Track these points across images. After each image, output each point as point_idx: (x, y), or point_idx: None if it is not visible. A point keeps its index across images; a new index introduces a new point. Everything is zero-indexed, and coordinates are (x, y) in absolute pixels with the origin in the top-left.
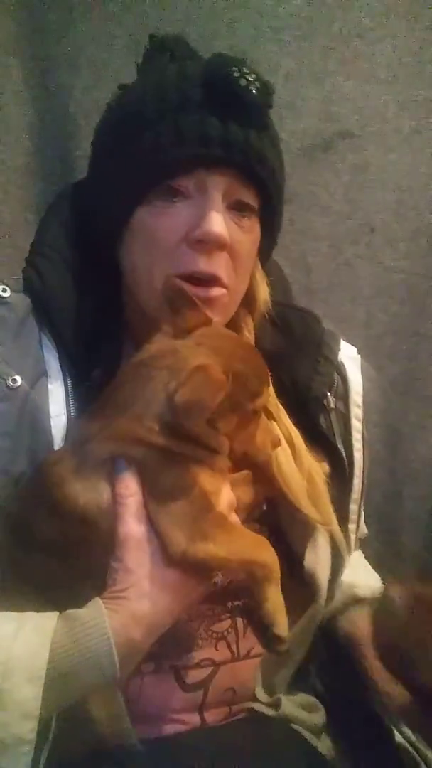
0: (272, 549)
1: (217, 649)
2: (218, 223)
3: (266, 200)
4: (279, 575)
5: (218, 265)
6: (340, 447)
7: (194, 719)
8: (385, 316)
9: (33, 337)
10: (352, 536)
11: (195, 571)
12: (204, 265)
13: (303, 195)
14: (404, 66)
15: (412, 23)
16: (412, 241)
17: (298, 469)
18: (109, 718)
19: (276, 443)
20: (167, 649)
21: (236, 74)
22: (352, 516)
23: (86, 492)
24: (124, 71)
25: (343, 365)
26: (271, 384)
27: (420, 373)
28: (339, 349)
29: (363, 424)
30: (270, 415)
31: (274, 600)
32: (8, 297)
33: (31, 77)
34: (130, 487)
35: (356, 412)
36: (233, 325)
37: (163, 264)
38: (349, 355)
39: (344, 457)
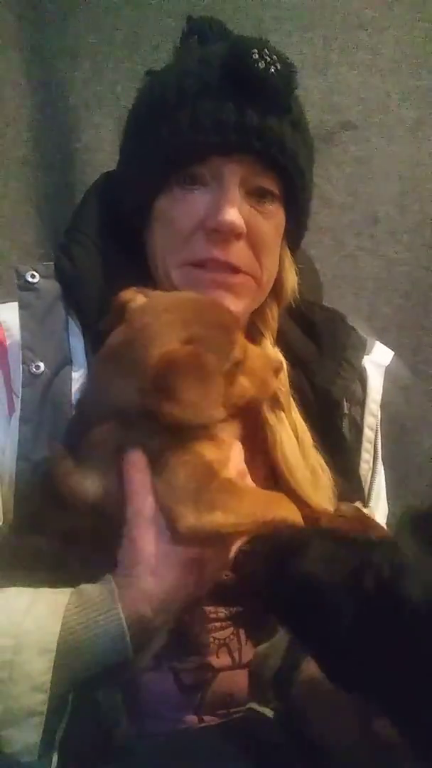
0: (292, 504)
1: (218, 656)
2: (232, 212)
3: (288, 185)
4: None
5: (234, 253)
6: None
7: (191, 719)
8: (388, 308)
9: (60, 323)
10: None
11: (206, 545)
12: (218, 253)
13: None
14: (407, 57)
15: (415, 14)
16: (415, 232)
17: (303, 462)
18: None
19: (278, 368)
20: (167, 650)
21: (255, 56)
22: None
23: (94, 482)
24: (124, 64)
25: (365, 370)
26: (242, 338)
27: (424, 366)
28: (364, 354)
29: (377, 435)
30: (280, 407)
31: None
32: (37, 283)
33: (31, 69)
34: (137, 465)
35: (370, 421)
36: (259, 312)
37: (179, 251)
38: (375, 361)
39: (354, 459)
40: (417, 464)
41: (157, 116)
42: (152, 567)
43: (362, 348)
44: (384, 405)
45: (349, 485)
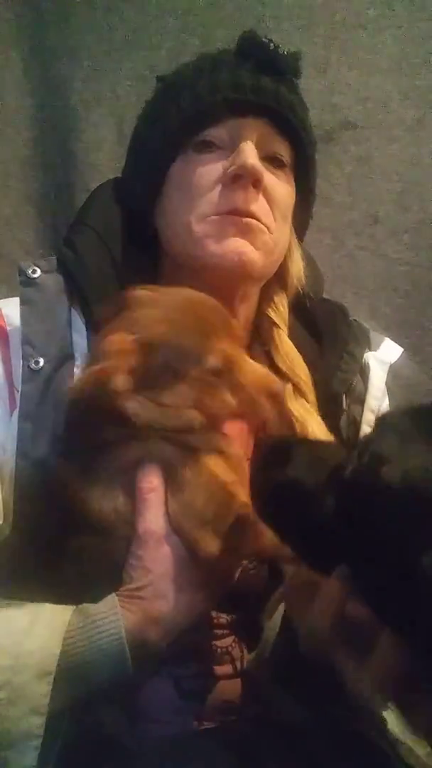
0: None
1: (219, 664)
2: (252, 155)
3: (300, 153)
4: None
5: (255, 203)
6: None
7: (191, 725)
8: (388, 308)
9: (62, 318)
10: None
11: (219, 569)
12: (241, 202)
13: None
14: (407, 56)
15: (415, 13)
16: (415, 232)
17: None
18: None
19: (275, 393)
20: (168, 657)
21: (265, 40)
22: None
23: (102, 499)
24: (124, 63)
25: (368, 366)
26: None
27: (424, 366)
28: (367, 348)
29: None
30: (305, 395)
31: None
32: (38, 278)
33: (31, 69)
34: (152, 482)
35: (368, 418)
36: (268, 300)
37: (200, 206)
38: (379, 357)
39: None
40: None
41: (175, 92)
42: (160, 589)
43: (364, 340)
44: (391, 403)
45: None
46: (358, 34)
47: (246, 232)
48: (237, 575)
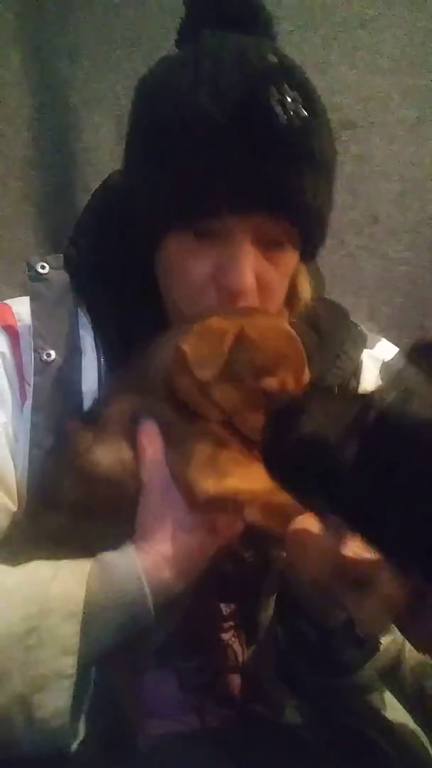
0: None
1: (221, 657)
2: (244, 275)
3: (304, 231)
4: None
5: (245, 303)
6: None
7: (193, 721)
8: (388, 308)
9: (69, 313)
10: None
11: (222, 511)
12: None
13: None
14: (407, 56)
15: (415, 13)
16: (415, 232)
17: None
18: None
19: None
20: (171, 650)
21: (274, 103)
22: None
23: (108, 454)
24: (124, 63)
25: (361, 363)
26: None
27: None
28: (363, 348)
29: None
30: None
31: None
32: (47, 274)
33: (31, 69)
34: (151, 435)
35: None
36: None
37: (192, 303)
38: (373, 355)
39: None
40: None
41: (164, 151)
42: (169, 532)
43: (362, 343)
44: None
45: None
46: (358, 34)
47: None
48: (244, 524)
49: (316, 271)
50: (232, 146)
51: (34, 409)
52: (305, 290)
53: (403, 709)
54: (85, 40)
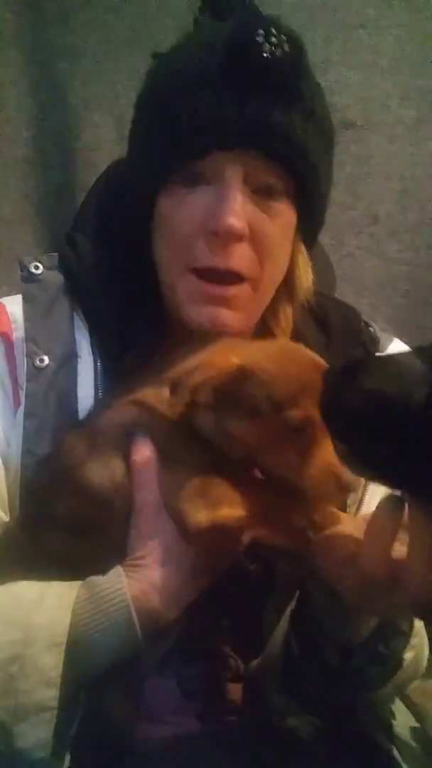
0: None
1: (222, 666)
2: (233, 214)
3: (298, 180)
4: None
5: (236, 259)
6: None
7: (194, 725)
8: (388, 308)
9: (64, 315)
10: None
11: (217, 541)
12: (220, 260)
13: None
14: (407, 56)
15: (415, 13)
16: (415, 232)
17: None
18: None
19: (345, 487)
20: (171, 657)
21: (260, 39)
22: None
23: (100, 470)
24: (124, 62)
25: None
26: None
27: None
28: (376, 351)
29: None
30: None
31: None
32: (40, 274)
33: (30, 68)
34: (145, 454)
35: None
36: (271, 310)
37: (181, 257)
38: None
39: None
40: None
41: (159, 107)
42: (161, 559)
43: (372, 345)
44: None
45: None
46: (358, 34)
47: (224, 299)
48: (241, 546)
49: (327, 266)
50: (220, 85)
51: (27, 415)
52: (305, 274)
53: (411, 714)
54: (85, 41)
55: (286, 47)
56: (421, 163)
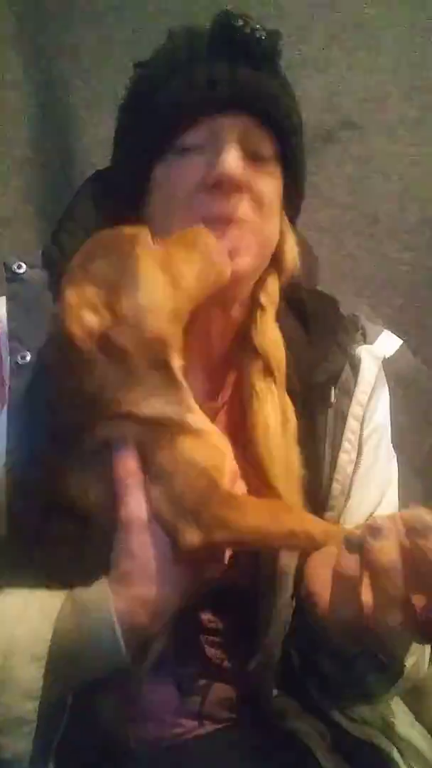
0: (295, 511)
1: (219, 666)
2: (233, 161)
3: (285, 145)
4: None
5: (237, 206)
6: (327, 446)
7: (191, 724)
8: (388, 308)
9: (48, 312)
10: None
11: (205, 554)
12: (220, 207)
13: (306, 186)
14: (407, 55)
15: (416, 12)
16: (416, 232)
17: (284, 451)
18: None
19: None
20: (168, 657)
21: (240, 23)
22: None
23: (78, 482)
24: (124, 62)
25: (360, 360)
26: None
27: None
28: (362, 341)
29: (362, 426)
30: (272, 375)
31: None
32: (23, 273)
33: (31, 68)
34: (129, 467)
35: (356, 411)
36: (260, 283)
37: (180, 213)
38: (373, 351)
39: (325, 457)
40: (416, 467)
41: (150, 89)
42: (147, 573)
43: (354, 332)
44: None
45: (315, 478)
46: (358, 34)
47: (229, 240)
48: (225, 560)
49: (310, 258)
50: (210, 59)
51: (10, 413)
52: (291, 249)
53: (411, 716)
54: (85, 40)
55: (263, 32)
56: (421, 163)
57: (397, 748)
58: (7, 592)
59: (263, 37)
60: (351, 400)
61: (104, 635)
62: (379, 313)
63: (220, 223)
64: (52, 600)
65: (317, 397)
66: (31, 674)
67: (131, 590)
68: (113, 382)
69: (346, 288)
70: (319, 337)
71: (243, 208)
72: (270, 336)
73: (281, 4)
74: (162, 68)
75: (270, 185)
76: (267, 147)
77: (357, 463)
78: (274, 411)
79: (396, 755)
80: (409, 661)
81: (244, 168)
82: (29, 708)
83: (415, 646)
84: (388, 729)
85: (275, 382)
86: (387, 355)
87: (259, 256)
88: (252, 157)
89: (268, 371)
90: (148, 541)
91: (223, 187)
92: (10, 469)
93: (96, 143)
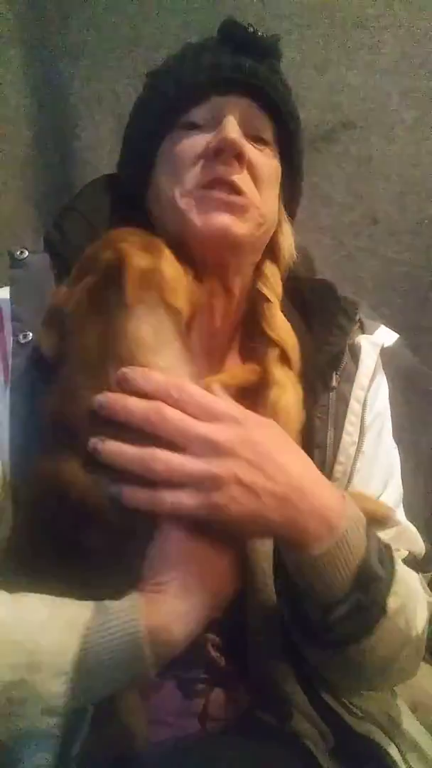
0: None
1: (223, 667)
2: (234, 130)
3: (283, 129)
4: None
5: (238, 174)
6: (330, 429)
7: (194, 726)
8: (387, 309)
9: (49, 293)
10: None
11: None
12: (223, 172)
13: (305, 186)
14: (407, 56)
15: (416, 12)
16: (415, 232)
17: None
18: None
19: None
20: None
21: (245, 24)
22: None
23: (97, 487)
24: (124, 61)
25: (360, 347)
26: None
27: (424, 366)
28: (355, 320)
29: (364, 409)
30: (289, 363)
31: None
32: (25, 258)
33: (31, 67)
34: None
35: (357, 394)
36: (260, 274)
37: (185, 181)
38: (372, 340)
39: (326, 439)
40: (414, 465)
41: (162, 76)
42: (185, 584)
43: (353, 313)
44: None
45: (319, 460)
46: (358, 34)
47: (230, 205)
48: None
49: (304, 253)
50: (217, 49)
51: (12, 389)
52: (288, 238)
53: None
54: (85, 40)
55: (265, 34)
56: (421, 163)
57: (397, 745)
58: (29, 595)
59: (265, 35)
60: (352, 385)
61: (131, 654)
62: (379, 313)
63: (222, 186)
64: (79, 611)
65: (320, 380)
66: (55, 689)
67: (168, 602)
68: (147, 338)
69: (346, 288)
70: (319, 321)
71: (243, 177)
72: (281, 325)
73: (281, 2)
74: (174, 59)
75: (268, 164)
76: (267, 132)
77: (359, 447)
78: (293, 399)
79: (396, 754)
80: (392, 602)
81: (247, 143)
82: (53, 722)
83: (398, 588)
84: (392, 725)
85: (292, 369)
86: (385, 344)
87: (256, 227)
88: (252, 139)
89: (285, 359)
90: (189, 554)
91: (225, 153)
92: (13, 445)
93: (96, 142)
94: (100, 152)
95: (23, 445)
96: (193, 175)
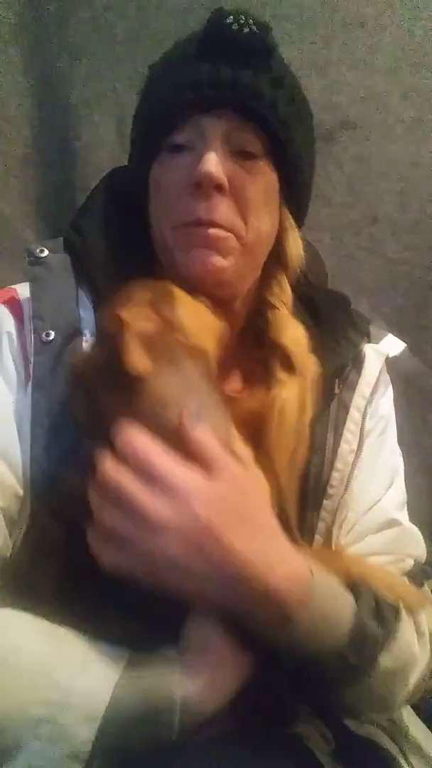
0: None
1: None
2: (211, 162)
3: (273, 141)
4: None
5: (218, 211)
6: (330, 436)
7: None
8: (388, 308)
9: (70, 295)
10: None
11: None
12: (203, 212)
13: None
14: (407, 56)
15: (415, 13)
16: (415, 232)
17: (293, 440)
18: None
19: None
20: None
21: (230, 20)
22: (324, 516)
23: None
24: (124, 61)
25: (364, 356)
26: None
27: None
28: (365, 334)
29: (363, 417)
30: (294, 369)
31: None
32: (45, 257)
33: (30, 67)
34: None
35: (358, 402)
36: (266, 284)
37: (170, 214)
38: (377, 349)
39: (325, 444)
40: (414, 466)
41: (149, 89)
42: (223, 657)
43: (364, 326)
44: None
45: (318, 465)
46: (358, 34)
47: (211, 242)
48: None
49: (317, 260)
50: (196, 59)
51: (35, 386)
52: (295, 244)
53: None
54: (85, 40)
55: (254, 28)
56: (421, 163)
57: (400, 747)
58: (63, 630)
59: (255, 31)
60: (354, 392)
61: (161, 721)
62: (379, 313)
63: (201, 225)
64: (114, 662)
65: (327, 388)
66: (83, 734)
67: (206, 674)
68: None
69: (346, 288)
70: (330, 331)
71: (224, 211)
72: (290, 334)
73: (281, 2)
74: (158, 70)
75: (258, 183)
76: (255, 144)
77: (358, 454)
78: (292, 397)
79: (400, 757)
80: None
81: (230, 166)
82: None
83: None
84: (394, 728)
85: (296, 374)
86: (391, 354)
87: (243, 256)
88: (238, 156)
89: (289, 365)
90: (222, 631)
91: (204, 187)
92: (34, 442)
93: (96, 142)
94: (100, 152)
95: (45, 445)
96: (177, 211)
